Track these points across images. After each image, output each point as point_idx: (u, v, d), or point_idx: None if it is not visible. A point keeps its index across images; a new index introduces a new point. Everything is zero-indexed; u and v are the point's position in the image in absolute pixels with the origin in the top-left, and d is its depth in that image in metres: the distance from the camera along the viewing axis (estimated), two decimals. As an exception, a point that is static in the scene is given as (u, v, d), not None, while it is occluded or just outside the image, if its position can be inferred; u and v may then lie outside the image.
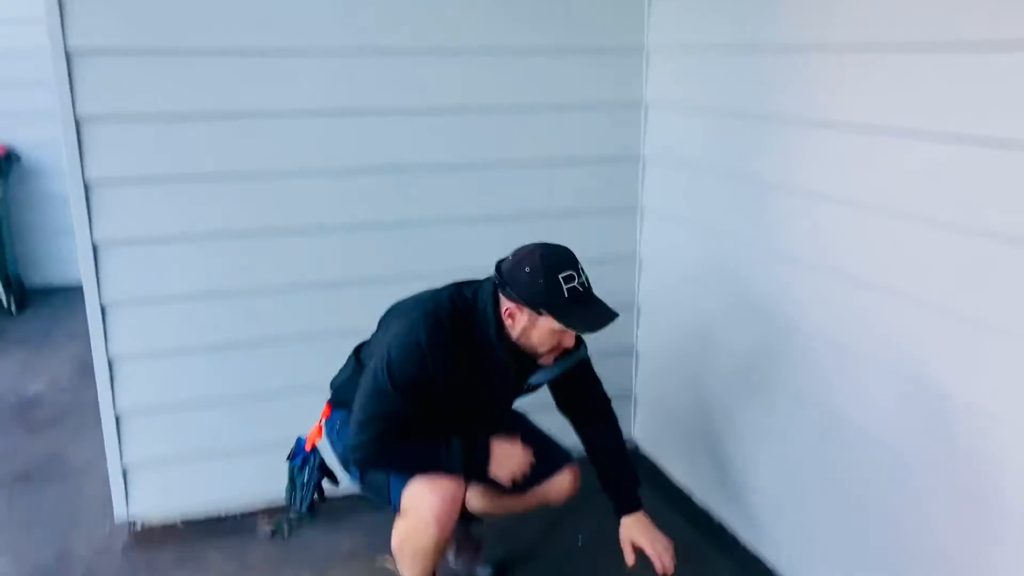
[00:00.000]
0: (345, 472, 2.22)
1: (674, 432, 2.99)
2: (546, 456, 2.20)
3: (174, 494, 2.72)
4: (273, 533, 2.71)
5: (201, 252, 2.55)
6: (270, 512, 2.81)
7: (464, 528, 2.51)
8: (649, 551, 2.03)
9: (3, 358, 4.21)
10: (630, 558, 2.05)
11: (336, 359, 2.71)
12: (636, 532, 2.06)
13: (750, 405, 2.52)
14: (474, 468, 2.01)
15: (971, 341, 1.73)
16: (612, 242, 2.99)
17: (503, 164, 2.77)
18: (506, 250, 1.99)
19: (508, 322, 1.94)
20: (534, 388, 2.15)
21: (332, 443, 2.20)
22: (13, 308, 4.85)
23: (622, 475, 2.17)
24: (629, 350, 3.14)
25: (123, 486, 2.65)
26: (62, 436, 3.39)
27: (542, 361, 2.00)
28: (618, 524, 2.11)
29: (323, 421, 2.24)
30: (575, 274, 1.87)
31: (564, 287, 1.85)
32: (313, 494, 2.26)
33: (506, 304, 1.93)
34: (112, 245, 2.46)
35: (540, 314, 1.89)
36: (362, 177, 2.64)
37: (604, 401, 2.25)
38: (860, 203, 1.99)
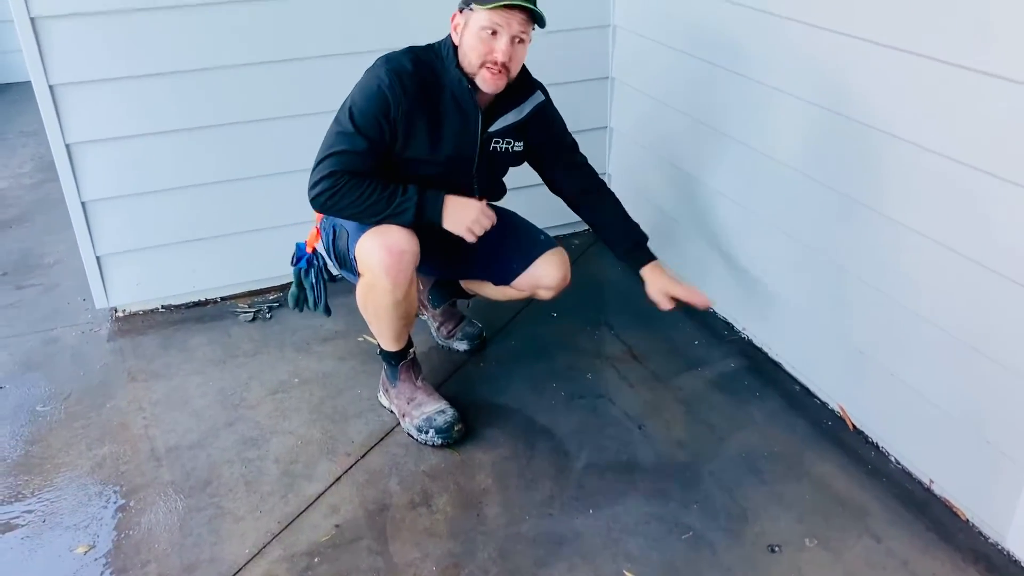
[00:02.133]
0: (339, 270, 2.23)
1: (645, 207, 3.00)
2: (529, 242, 2.22)
3: (152, 281, 2.74)
4: (254, 316, 2.76)
5: (157, 25, 2.39)
6: (249, 296, 2.86)
7: (450, 304, 2.57)
8: (684, 295, 2.15)
9: (-41, 159, 4.09)
10: (667, 304, 2.16)
11: (308, 140, 2.66)
12: (666, 281, 2.17)
13: (714, 171, 2.52)
14: (425, 212, 1.97)
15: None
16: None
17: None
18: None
19: (454, 36, 1.97)
20: (505, 151, 2.11)
21: (327, 245, 2.19)
22: (-38, 108, 4.65)
23: (630, 233, 2.23)
24: (602, 126, 3.09)
25: (99, 275, 2.65)
26: (32, 232, 3.36)
27: (481, 83, 1.94)
28: (639, 281, 2.21)
29: (318, 223, 2.22)
30: None
31: None
32: (325, 294, 2.29)
33: (454, 20, 1.96)
34: (53, 21, 2.30)
35: (471, 10, 1.91)
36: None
37: (592, 172, 2.26)
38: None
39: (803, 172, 2.17)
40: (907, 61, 1.78)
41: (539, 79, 2.17)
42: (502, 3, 1.84)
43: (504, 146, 2.11)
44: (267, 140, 2.64)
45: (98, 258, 2.63)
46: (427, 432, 2.16)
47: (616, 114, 3.05)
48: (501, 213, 2.24)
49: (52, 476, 2.08)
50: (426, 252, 2.05)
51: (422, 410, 2.19)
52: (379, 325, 2.13)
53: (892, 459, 2.10)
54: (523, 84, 2.06)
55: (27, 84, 5.11)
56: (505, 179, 2.28)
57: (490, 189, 2.21)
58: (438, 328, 2.57)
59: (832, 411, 2.27)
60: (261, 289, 2.89)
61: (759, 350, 2.54)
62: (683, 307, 2.19)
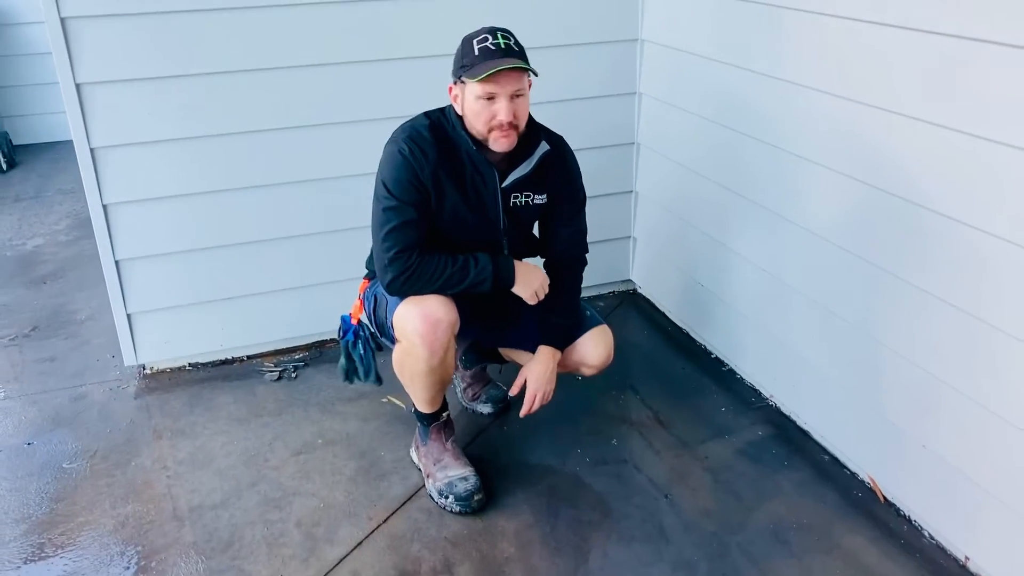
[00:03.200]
0: (380, 337, 2.25)
1: (671, 271, 3.01)
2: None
3: (180, 339, 2.77)
4: (279, 376, 2.78)
5: (194, 91, 2.47)
6: (275, 355, 2.88)
7: (481, 368, 2.57)
8: (529, 387, 2.12)
9: (-1, 215, 4.20)
10: (515, 388, 2.15)
11: (337, 203, 2.72)
12: (533, 367, 2.14)
13: (742, 238, 2.52)
14: (501, 278, 2.03)
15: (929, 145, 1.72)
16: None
17: None
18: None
19: (456, 106, 2.00)
20: (526, 206, 2.10)
21: (369, 314, 2.21)
22: (3, 166, 4.78)
23: (558, 315, 2.16)
24: (628, 190, 3.12)
25: (129, 333, 2.69)
26: (65, 288, 3.42)
27: (494, 145, 1.95)
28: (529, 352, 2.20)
29: (361, 295, 2.25)
30: (489, 36, 1.91)
31: (476, 47, 1.90)
32: (374, 363, 2.30)
33: (451, 91, 2.00)
34: (97, 87, 2.38)
35: (463, 82, 1.93)
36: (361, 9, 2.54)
37: (574, 245, 2.21)
38: None
39: (833, 241, 2.16)
40: (938, 134, 1.78)
41: (564, 137, 2.17)
42: (489, 72, 1.86)
43: (524, 200, 2.10)
44: (294, 203, 2.69)
45: (129, 315, 2.67)
46: (447, 497, 2.14)
47: (642, 178, 3.07)
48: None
49: (75, 535, 2.08)
50: (470, 317, 2.09)
51: (446, 473, 2.18)
52: (414, 389, 2.14)
53: (926, 534, 2.04)
54: (529, 136, 2.04)
55: (68, 143, 5.27)
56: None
57: (520, 247, 2.20)
58: (464, 389, 2.57)
59: (862, 482, 2.23)
60: (286, 348, 2.91)
61: (787, 418, 2.50)
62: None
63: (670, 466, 2.31)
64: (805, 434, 2.43)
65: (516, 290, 2.07)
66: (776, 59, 2.26)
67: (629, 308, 3.18)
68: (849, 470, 2.27)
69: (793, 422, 2.48)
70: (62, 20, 2.28)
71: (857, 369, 2.17)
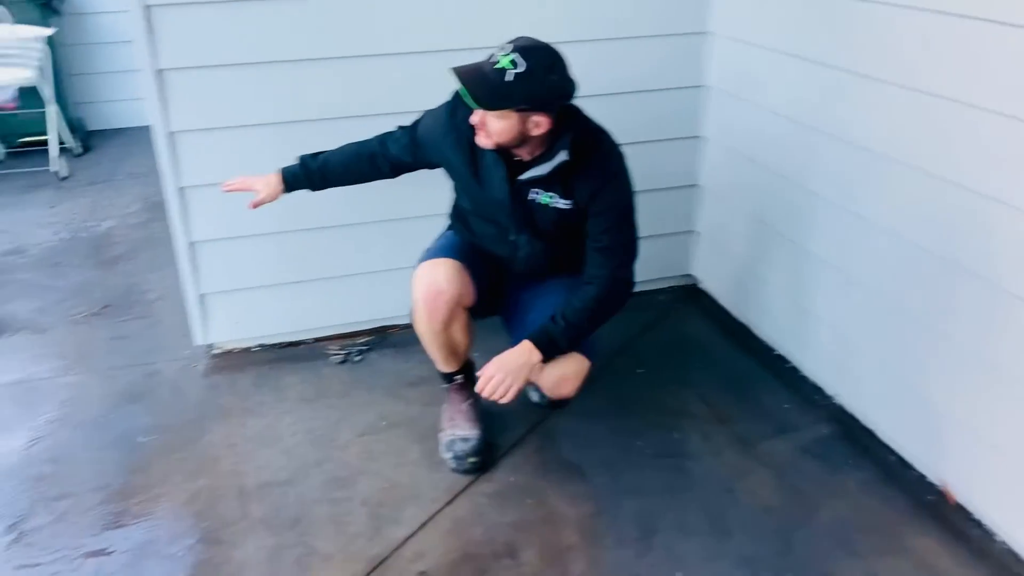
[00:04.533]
0: None
1: (733, 268, 2.99)
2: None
3: (248, 321, 2.84)
4: (344, 359, 2.83)
5: (265, 79, 2.52)
6: (340, 339, 2.93)
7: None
8: (487, 368, 2.01)
9: (74, 198, 4.32)
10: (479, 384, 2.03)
11: (402, 192, 2.73)
12: (505, 353, 2.03)
13: (811, 234, 2.49)
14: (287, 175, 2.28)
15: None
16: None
17: None
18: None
19: None
20: (546, 206, 2.06)
21: None
22: (78, 150, 4.94)
23: (556, 316, 2.06)
24: (692, 184, 3.10)
25: (200, 313, 2.76)
26: (136, 269, 3.52)
27: (479, 141, 1.95)
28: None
29: None
30: (497, 54, 1.84)
31: (486, 55, 1.88)
32: None
33: None
34: (177, 72, 2.44)
35: None
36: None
37: (602, 263, 2.06)
38: (954, 17, 1.88)
39: (905, 237, 2.13)
40: (1016, 128, 1.74)
41: (614, 151, 2.09)
42: (453, 91, 1.96)
43: (544, 199, 2.06)
44: (362, 190, 2.69)
45: (200, 296, 2.74)
46: (448, 452, 2.28)
47: (706, 172, 3.05)
48: (553, 288, 2.19)
49: (151, 506, 2.15)
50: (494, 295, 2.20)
51: (454, 431, 2.31)
52: (424, 345, 2.24)
53: (998, 539, 2.00)
54: (552, 144, 1.98)
55: (137, 129, 5.42)
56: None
57: (536, 243, 2.16)
58: None
59: (931, 484, 2.19)
60: (351, 333, 2.95)
61: (852, 417, 2.47)
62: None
63: (733, 461, 2.30)
64: (870, 434, 2.39)
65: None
66: (851, 52, 2.22)
67: (688, 303, 3.16)
68: (916, 471, 2.24)
69: (858, 421, 2.45)
70: (146, 7, 2.34)
71: (926, 369, 2.13)
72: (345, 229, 2.78)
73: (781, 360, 2.77)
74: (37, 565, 1.96)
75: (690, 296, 3.21)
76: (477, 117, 1.91)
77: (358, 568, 1.95)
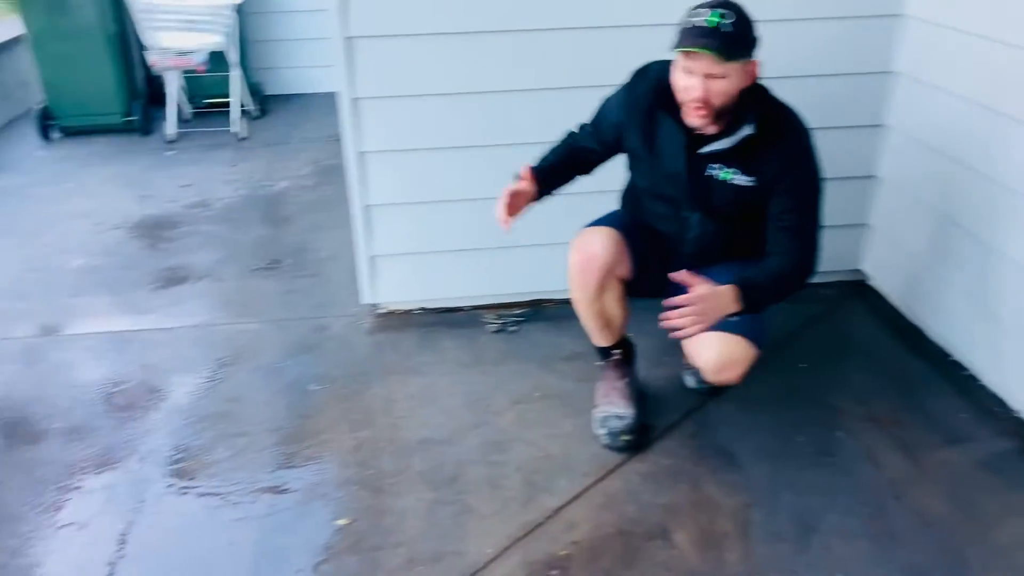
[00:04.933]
0: None
1: (908, 265, 2.83)
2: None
3: (413, 284, 2.94)
4: (500, 328, 2.88)
5: (452, 47, 2.58)
6: (496, 308, 2.98)
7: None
8: (687, 294, 1.87)
9: (252, 158, 4.60)
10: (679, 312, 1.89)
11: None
12: (707, 288, 1.88)
13: (1004, 233, 2.32)
14: None
15: None
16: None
17: None
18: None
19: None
20: (726, 183, 2.02)
21: None
22: (256, 113, 5.24)
23: (751, 273, 1.99)
24: (869, 174, 2.95)
25: (369, 273, 2.88)
26: (307, 228, 3.70)
27: (686, 118, 1.94)
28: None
29: None
30: (705, 11, 1.86)
31: (688, 18, 1.88)
32: None
33: None
34: (364, 40, 2.54)
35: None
36: None
37: (785, 243, 2.01)
38: None
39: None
40: None
41: (806, 129, 2.05)
42: (679, 50, 1.86)
43: (723, 176, 2.02)
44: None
45: (371, 258, 2.85)
46: (601, 428, 2.30)
47: (887, 163, 2.90)
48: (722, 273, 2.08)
49: (320, 450, 2.28)
50: (658, 272, 2.10)
51: (607, 407, 2.32)
52: (579, 313, 2.27)
53: None
54: (739, 114, 1.96)
55: (310, 96, 5.69)
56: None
57: (711, 222, 2.11)
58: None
59: None
60: (507, 303, 3.00)
61: (1037, 433, 2.31)
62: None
63: (901, 467, 2.19)
64: (1058, 453, 2.23)
65: None
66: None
67: (855, 299, 3.02)
68: (1111, 498, 2.07)
69: (1044, 439, 2.28)
70: (342, -24, 2.45)
71: None
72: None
73: (957, 367, 2.61)
74: (218, 495, 2.12)
75: (858, 292, 3.07)
76: (699, 90, 1.87)
77: (512, 531, 1.99)
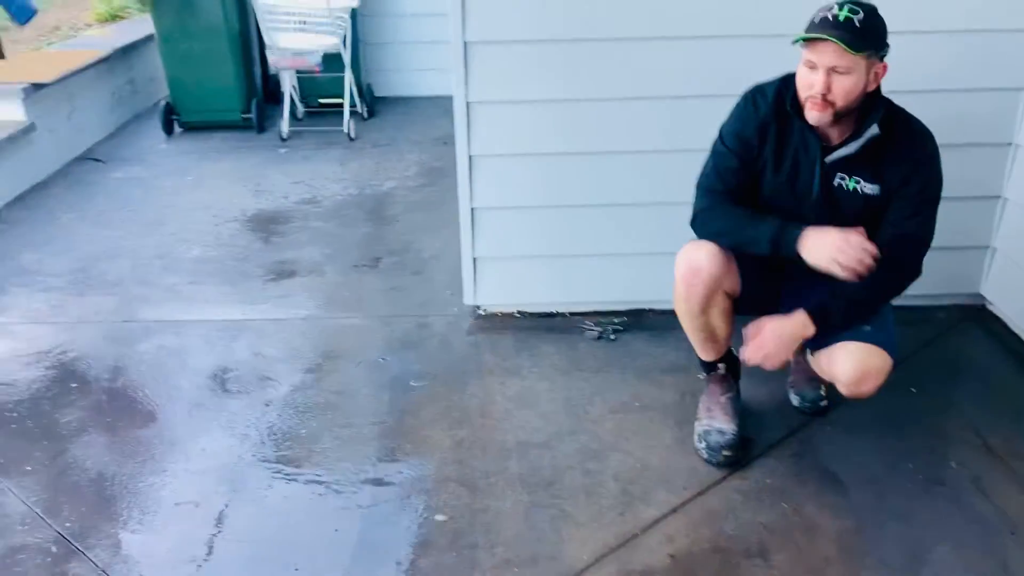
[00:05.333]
0: None
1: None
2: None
3: (514, 287, 2.97)
4: (599, 336, 2.88)
5: (562, 58, 2.61)
6: (596, 315, 2.98)
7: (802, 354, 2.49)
8: (754, 328, 2.02)
9: (361, 158, 4.72)
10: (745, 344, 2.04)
11: (671, 177, 2.72)
12: (774, 317, 2.01)
13: None
14: (782, 244, 1.97)
15: None
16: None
17: None
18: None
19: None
20: (852, 192, 2.01)
21: None
22: (365, 114, 5.38)
23: (835, 295, 1.98)
24: (994, 195, 2.82)
25: (472, 275, 2.93)
26: (411, 228, 3.78)
27: (807, 115, 1.93)
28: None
29: None
30: (836, 6, 1.87)
31: (818, 12, 1.89)
32: None
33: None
34: (480, 46, 2.58)
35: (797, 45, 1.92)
36: None
37: (895, 247, 1.96)
38: None
39: None
40: None
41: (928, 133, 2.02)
42: (803, 37, 1.87)
43: (851, 185, 2.00)
44: (631, 173, 2.75)
45: (474, 259, 2.90)
46: (702, 442, 2.27)
47: (1016, 183, 2.76)
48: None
49: (420, 446, 2.33)
50: (767, 289, 2.16)
51: (710, 422, 2.28)
52: (684, 326, 2.24)
53: None
54: (863, 116, 1.95)
55: (417, 99, 5.80)
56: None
57: None
58: (792, 369, 2.50)
59: None
60: (607, 311, 3.00)
61: None
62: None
63: (1018, 501, 2.09)
64: None
65: (809, 260, 1.94)
66: None
67: (973, 324, 2.90)
68: None
69: None
70: (462, -14, 2.50)
71: None
72: (613, 209, 2.82)
73: (1085, 401, 2.47)
74: (324, 483, 2.19)
75: (975, 316, 2.94)
76: (821, 84, 1.86)
77: (609, 539, 1.99)
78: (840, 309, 1.99)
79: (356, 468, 2.24)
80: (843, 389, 2.05)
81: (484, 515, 2.08)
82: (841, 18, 1.85)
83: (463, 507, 2.11)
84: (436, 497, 2.14)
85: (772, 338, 2.00)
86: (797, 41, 1.89)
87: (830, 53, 1.85)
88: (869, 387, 2.01)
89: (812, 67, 1.89)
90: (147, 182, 4.38)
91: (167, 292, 3.22)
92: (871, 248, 1.91)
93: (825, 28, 1.84)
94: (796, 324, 1.99)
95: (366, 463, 2.26)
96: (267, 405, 2.51)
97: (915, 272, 2.02)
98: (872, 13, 1.88)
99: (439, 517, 2.07)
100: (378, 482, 2.19)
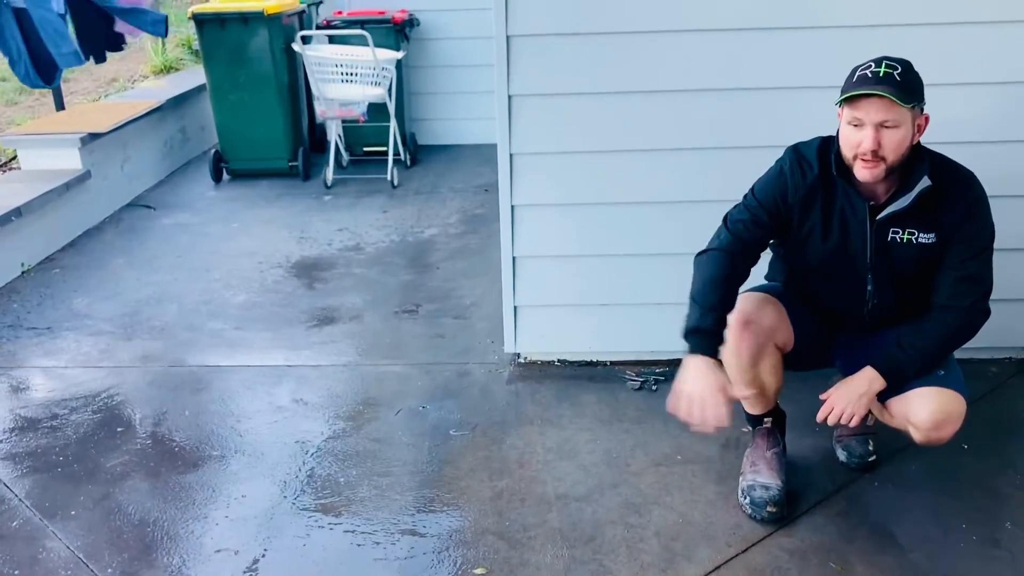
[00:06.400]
0: None
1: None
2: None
3: (554, 335, 2.96)
4: (640, 386, 2.85)
5: (602, 110, 2.63)
6: (637, 365, 2.96)
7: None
8: (831, 394, 2.04)
9: (403, 205, 4.79)
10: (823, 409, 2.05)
11: (712, 228, 2.72)
12: (846, 380, 2.05)
13: None
14: (688, 342, 2.02)
15: None
16: None
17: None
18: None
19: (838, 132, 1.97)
20: (907, 243, 1.99)
21: None
22: (408, 162, 5.47)
23: (901, 347, 2.01)
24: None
25: (513, 322, 2.93)
26: (453, 275, 3.81)
27: (857, 173, 1.92)
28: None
29: None
30: (873, 64, 1.88)
31: (856, 73, 1.90)
32: None
33: (839, 116, 1.97)
34: (524, 99, 2.62)
35: (839, 105, 1.92)
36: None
37: (958, 293, 1.99)
38: None
39: None
40: None
41: (972, 175, 2.02)
42: (850, 94, 1.86)
43: (905, 237, 1.99)
44: (671, 222, 2.75)
45: (515, 307, 2.90)
46: (746, 498, 2.22)
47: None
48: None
49: (458, 497, 2.31)
50: (819, 344, 2.19)
51: (755, 477, 2.23)
52: (731, 379, 2.11)
53: None
54: (910, 169, 1.94)
55: (459, 147, 5.91)
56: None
57: (892, 288, 2.07)
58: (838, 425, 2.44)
59: None
60: (649, 361, 2.98)
61: None
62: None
63: (1080, 567, 2.01)
64: None
65: (676, 384, 2.01)
66: None
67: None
68: None
69: None
70: (507, 37, 2.54)
71: None
72: (653, 259, 2.82)
73: None
74: (362, 532, 2.19)
75: (1029, 371, 2.86)
76: (871, 140, 1.86)
77: (650, 597, 1.95)
78: (910, 359, 2.01)
79: (394, 518, 2.23)
80: (919, 436, 2.02)
81: (524, 570, 2.05)
82: (881, 74, 1.86)
83: (502, 561, 2.08)
84: (474, 550, 2.11)
85: (845, 396, 2.03)
86: (841, 102, 1.89)
87: (877, 108, 1.84)
88: (948, 432, 1.99)
89: (858, 125, 1.88)
90: (195, 228, 4.49)
91: (212, 337, 3.27)
92: (721, 416, 1.92)
93: (868, 84, 1.85)
94: (864, 377, 2.02)
95: (404, 513, 2.25)
96: (307, 452, 2.52)
97: (983, 313, 2.04)
98: (909, 67, 1.90)
99: (477, 571, 2.05)
100: (416, 533, 2.18)
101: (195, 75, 6.17)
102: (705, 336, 1.99)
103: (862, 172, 1.91)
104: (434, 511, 2.26)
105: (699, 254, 2.14)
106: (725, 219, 2.14)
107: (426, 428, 2.63)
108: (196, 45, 6.60)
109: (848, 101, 1.88)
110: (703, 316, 2.01)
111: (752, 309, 2.10)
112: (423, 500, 2.30)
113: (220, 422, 2.70)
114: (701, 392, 1.92)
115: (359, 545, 2.14)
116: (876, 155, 1.87)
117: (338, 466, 2.45)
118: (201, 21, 5.00)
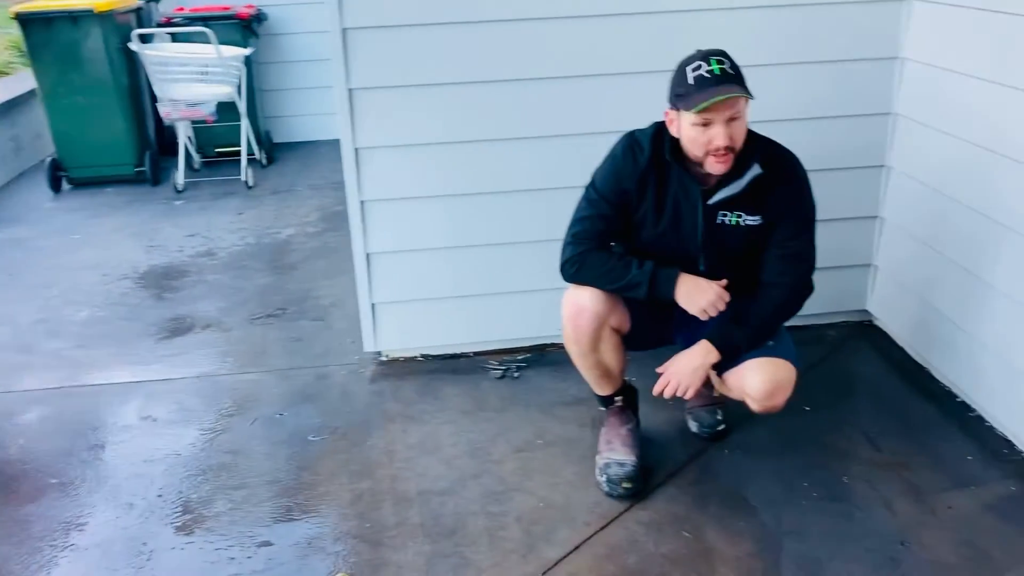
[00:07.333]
0: None
1: (914, 305, 2.81)
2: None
3: (415, 331, 2.94)
4: (503, 375, 2.87)
5: (447, 100, 2.62)
6: (499, 354, 2.97)
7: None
8: (667, 369, 2.09)
9: (259, 206, 4.64)
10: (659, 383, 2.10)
11: (561, 212, 2.76)
12: (682, 354, 2.11)
13: (1009, 276, 2.30)
14: (659, 288, 2.04)
15: None
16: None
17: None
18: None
19: (671, 129, 2.02)
20: (735, 226, 2.07)
21: None
22: (264, 161, 5.30)
23: (736, 322, 2.08)
24: (872, 215, 2.94)
25: (372, 321, 2.88)
26: (311, 276, 3.72)
27: (710, 168, 1.97)
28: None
29: None
30: (703, 63, 1.91)
31: (690, 76, 1.92)
32: None
33: (667, 115, 2.03)
34: (364, 92, 2.57)
35: (678, 109, 1.96)
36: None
37: (785, 271, 2.09)
38: None
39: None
40: None
41: (794, 156, 2.11)
42: (704, 105, 1.87)
43: (733, 220, 2.07)
44: (523, 210, 2.77)
45: (372, 305, 2.86)
46: (602, 476, 2.26)
47: (890, 203, 2.89)
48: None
49: (318, 503, 2.26)
50: (657, 323, 2.21)
51: (609, 454, 2.28)
52: (577, 366, 2.27)
53: None
54: (743, 156, 2.01)
55: (316, 143, 5.77)
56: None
57: (722, 267, 2.12)
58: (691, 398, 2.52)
59: None
60: (510, 348, 2.99)
61: (1047, 476, 2.26)
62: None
63: (907, 512, 2.15)
64: (1070, 497, 2.18)
65: (680, 303, 2.05)
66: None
67: (862, 340, 3.00)
68: (1125, 543, 2.02)
69: (1055, 482, 2.24)
70: (343, 30, 2.49)
71: None
72: (508, 248, 2.83)
73: (964, 407, 2.57)
74: (216, 549, 2.10)
75: (863, 333, 3.04)
76: (724, 137, 1.90)
77: (511, 584, 1.96)
78: (742, 333, 2.07)
79: (249, 531, 2.15)
80: (755, 405, 2.09)
81: (384, 570, 2.02)
82: (718, 71, 1.90)
83: (363, 563, 2.04)
84: (335, 555, 2.07)
85: (680, 370, 2.07)
86: (700, 110, 1.88)
87: (729, 106, 1.89)
88: (780, 399, 2.07)
89: (707, 123, 1.91)
90: (29, 243, 4.20)
91: (51, 358, 3.07)
92: (727, 299, 2.04)
93: (719, 86, 1.88)
94: (701, 353, 2.07)
95: (260, 525, 2.17)
96: (155, 472, 2.40)
97: (807, 288, 2.13)
98: (728, 56, 1.95)
99: (338, 576, 2.01)
100: (273, 544, 2.11)
101: (27, 79, 5.77)
102: (658, 268, 2.04)
103: (716, 167, 1.96)
104: (292, 520, 2.20)
105: (569, 262, 2.12)
106: (573, 224, 2.15)
107: (283, 436, 2.56)
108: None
109: (697, 111, 1.89)
110: (640, 265, 2.06)
111: (582, 297, 2.13)
112: (280, 510, 2.23)
113: (59, 448, 2.53)
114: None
115: (212, 563, 2.06)
116: (729, 149, 1.93)
117: (189, 483, 2.35)
118: (26, 21, 4.68)
